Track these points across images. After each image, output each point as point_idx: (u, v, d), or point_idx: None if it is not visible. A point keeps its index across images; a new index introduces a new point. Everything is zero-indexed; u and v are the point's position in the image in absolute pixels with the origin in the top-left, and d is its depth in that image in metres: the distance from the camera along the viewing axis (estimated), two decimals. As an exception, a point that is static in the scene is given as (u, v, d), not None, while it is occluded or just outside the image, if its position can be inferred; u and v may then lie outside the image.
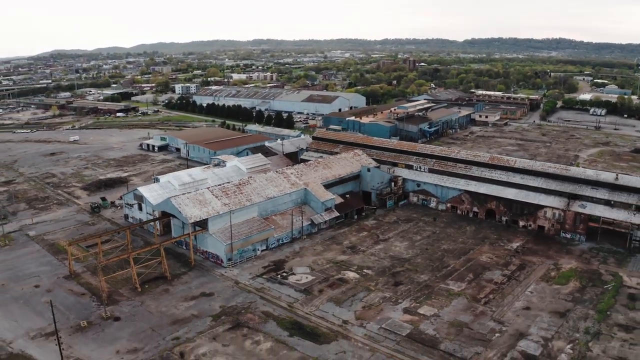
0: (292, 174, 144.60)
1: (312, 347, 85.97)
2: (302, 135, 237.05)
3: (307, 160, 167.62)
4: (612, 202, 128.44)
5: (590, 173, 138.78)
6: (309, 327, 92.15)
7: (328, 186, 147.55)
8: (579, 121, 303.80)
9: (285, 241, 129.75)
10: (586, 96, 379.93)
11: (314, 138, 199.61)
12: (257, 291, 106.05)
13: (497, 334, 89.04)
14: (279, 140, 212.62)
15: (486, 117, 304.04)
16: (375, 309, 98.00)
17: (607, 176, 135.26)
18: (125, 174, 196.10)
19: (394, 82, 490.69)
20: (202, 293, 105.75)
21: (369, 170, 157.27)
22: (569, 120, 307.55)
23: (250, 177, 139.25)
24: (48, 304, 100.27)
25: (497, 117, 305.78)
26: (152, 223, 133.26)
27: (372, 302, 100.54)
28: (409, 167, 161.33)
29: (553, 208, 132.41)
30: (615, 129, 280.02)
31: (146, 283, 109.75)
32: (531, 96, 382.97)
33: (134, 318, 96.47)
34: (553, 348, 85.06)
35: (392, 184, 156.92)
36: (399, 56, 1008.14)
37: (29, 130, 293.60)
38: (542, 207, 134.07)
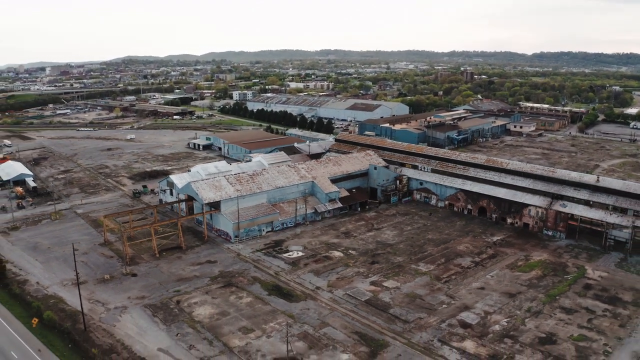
0: (302, 168, 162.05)
1: (283, 304, 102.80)
2: (332, 138, 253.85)
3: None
4: (591, 203, 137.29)
5: (574, 175, 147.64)
6: (286, 289, 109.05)
7: (335, 181, 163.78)
8: (616, 134, 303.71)
9: (289, 225, 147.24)
10: (633, 110, 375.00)
11: (336, 140, 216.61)
12: (253, 262, 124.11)
13: (444, 306, 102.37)
14: (307, 142, 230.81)
15: (520, 127, 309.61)
16: (346, 280, 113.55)
17: (589, 178, 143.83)
18: (169, 168, 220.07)
19: (440, 92, 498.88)
20: (208, 260, 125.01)
21: (375, 168, 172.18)
22: (606, 133, 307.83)
23: (264, 169, 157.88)
24: (84, 262, 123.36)
25: (532, 128, 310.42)
26: (177, 205, 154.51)
27: (346, 275, 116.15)
28: (415, 167, 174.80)
29: (536, 207, 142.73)
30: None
31: (164, 251, 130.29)
32: (574, 109, 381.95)
33: (148, 276, 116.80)
34: (490, 320, 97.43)
35: (397, 182, 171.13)
36: (462, 69, 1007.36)
37: (92, 129, 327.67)
38: (527, 205, 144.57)
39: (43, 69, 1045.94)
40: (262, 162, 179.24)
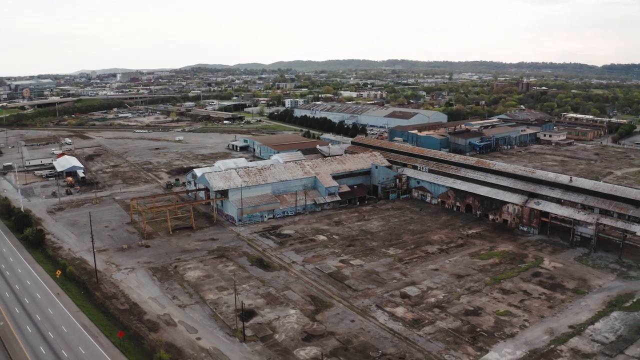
0: (308, 165, 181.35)
1: (259, 272, 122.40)
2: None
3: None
4: (562, 201, 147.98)
5: (550, 175, 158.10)
6: (266, 262, 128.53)
7: (338, 177, 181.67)
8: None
9: (289, 214, 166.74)
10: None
11: (352, 143, 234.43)
12: (248, 241, 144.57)
13: (394, 281, 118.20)
14: (330, 145, 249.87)
15: (550, 136, 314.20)
16: (320, 257, 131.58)
17: (564, 178, 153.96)
18: (204, 165, 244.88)
19: (483, 102, 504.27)
20: (211, 238, 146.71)
21: (377, 167, 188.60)
22: (639, 144, 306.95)
23: (272, 165, 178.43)
24: (110, 236, 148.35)
25: (562, 137, 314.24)
26: (196, 193, 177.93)
27: (321, 253, 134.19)
28: (415, 167, 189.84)
29: (513, 204, 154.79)
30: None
31: (177, 230, 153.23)
32: (618, 120, 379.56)
33: (158, 247, 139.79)
34: (429, 294, 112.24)
35: (397, 180, 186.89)
36: (524, 80, 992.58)
37: (146, 131, 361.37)
38: (506, 203, 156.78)
39: (114, 75, 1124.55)
40: (278, 160, 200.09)
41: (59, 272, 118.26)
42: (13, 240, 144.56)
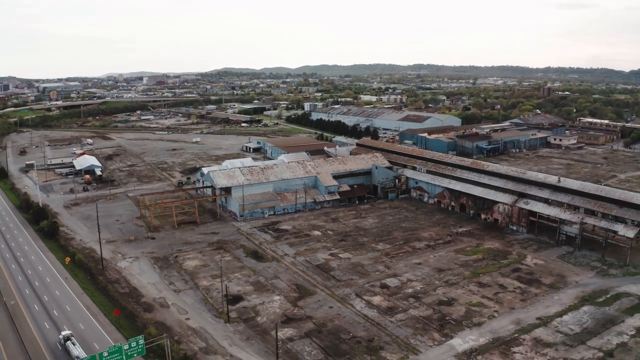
0: (309, 164, 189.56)
1: (252, 262, 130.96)
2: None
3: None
4: (550, 201, 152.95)
5: (540, 176, 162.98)
6: (260, 253, 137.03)
7: (338, 177, 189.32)
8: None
9: (289, 211, 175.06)
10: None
11: (357, 144, 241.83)
12: (247, 235, 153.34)
13: (377, 273, 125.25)
14: (337, 146, 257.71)
15: (560, 140, 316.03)
16: (312, 250, 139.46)
17: (552, 179, 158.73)
18: (215, 165, 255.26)
19: (498, 106, 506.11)
20: (213, 232, 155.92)
21: (377, 167, 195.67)
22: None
23: (275, 164, 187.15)
24: (119, 228, 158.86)
25: (572, 141, 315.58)
26: (203, 190, 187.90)
27: (313, 247, 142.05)
28: (414, 168, 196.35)
29: (503, 204, 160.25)
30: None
31: (182, 224, 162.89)
32: (628, 124, 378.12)
33: (163, 239, 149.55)
34: (407, 285, 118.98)
35: (397, 180, 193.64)
36: (548, 85, 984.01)
37: (166, 132, 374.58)
38: (497, 202, 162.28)
39: (141, 79, 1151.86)
40: (283, 160, 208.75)
41: (68, 259, 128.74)
42: (30, 232, 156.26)
